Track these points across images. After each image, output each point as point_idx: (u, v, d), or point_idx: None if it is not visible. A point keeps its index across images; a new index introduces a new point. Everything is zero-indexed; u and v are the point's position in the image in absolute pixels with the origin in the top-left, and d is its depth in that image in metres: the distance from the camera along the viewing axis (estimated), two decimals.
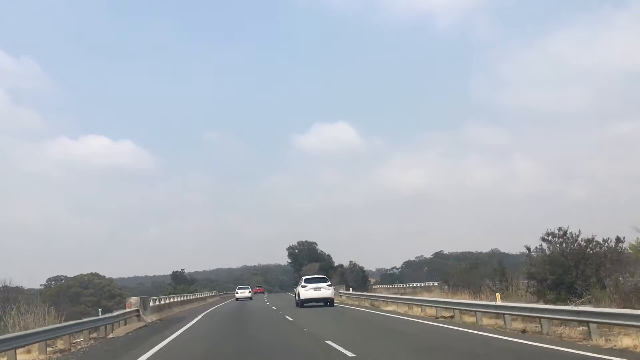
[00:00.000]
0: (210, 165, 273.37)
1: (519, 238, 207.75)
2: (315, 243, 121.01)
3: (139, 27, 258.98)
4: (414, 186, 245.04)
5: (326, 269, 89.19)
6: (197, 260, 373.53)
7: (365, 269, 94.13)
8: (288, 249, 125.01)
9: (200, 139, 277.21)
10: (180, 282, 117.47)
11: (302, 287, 36.20)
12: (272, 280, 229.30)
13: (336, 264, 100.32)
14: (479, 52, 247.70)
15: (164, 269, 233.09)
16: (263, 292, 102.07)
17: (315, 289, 35.55)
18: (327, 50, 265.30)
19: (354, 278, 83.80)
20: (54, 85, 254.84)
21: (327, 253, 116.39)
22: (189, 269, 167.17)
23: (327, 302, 35.62)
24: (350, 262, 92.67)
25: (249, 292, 67.38)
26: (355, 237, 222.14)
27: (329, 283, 37.96)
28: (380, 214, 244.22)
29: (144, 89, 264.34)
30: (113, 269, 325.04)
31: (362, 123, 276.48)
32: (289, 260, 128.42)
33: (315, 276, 41.36)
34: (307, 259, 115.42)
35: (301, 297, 35.73)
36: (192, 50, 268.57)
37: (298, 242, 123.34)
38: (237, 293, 66.50)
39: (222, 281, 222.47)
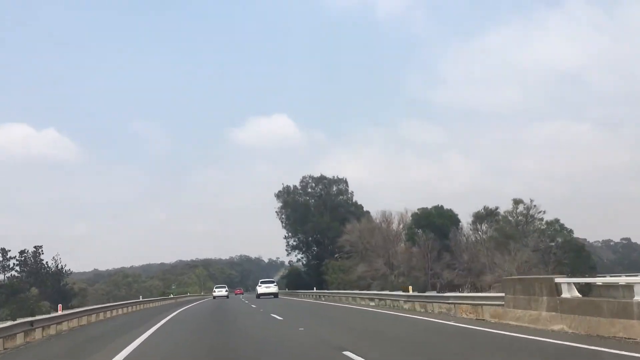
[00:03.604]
0: (140, 158, 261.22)
1: None
2: (344, 181, 62.29)
3: (66, 10, 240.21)
4: (356, 181, 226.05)
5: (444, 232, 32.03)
6: (125, 256, 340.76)
7: None
8: (279, 195, 65.21)
9: (130, 130, 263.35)
10: (36, 277, 54.23)
11: (259, 286, 57.09)
12: (216, 275, 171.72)
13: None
14: (417, 47, 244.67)
15: (84, 266, 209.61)
16: (242, 293, 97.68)
17: (266, 287, 55.43)
18: (261, 40, 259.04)
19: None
20: None
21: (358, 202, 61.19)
22: (115, 265, 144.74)
23: (274, 295, 54.76)
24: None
25: (226, 290, 69.37)
26: None
27: (275, 283, 60.13)
28: None
29: (69, 74, 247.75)
30: None
31: (301, 116, 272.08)
32: (284, 221, 67.65)
33: (267, 279, 64.83)
34: (323, 212, 58.25)
35: (258, 292, 55.58)
36: (119, 37, 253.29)
37: (304, 178, 64.27)
38: (214, 292, 69.09)
39: (147, 277, 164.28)
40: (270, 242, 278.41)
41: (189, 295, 75.81)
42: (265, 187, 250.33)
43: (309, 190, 66.30)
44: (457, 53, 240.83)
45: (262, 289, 54.88)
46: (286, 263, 72.11)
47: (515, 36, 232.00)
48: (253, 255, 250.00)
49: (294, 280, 68.74)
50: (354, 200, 63.75)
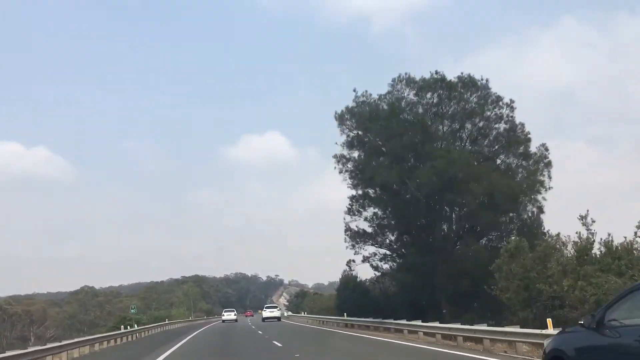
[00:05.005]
0: (133, 176, 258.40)
1: None
2: (483, 85, 32.70)
3: (59, 28, 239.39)
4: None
5: None
6: (113, 276, 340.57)
7: None
8: (344, 119, 34.02)
9: (122, 149, 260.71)
10: None
11: (264, 310, 63.34)
12: (210, 293, 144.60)
13: None
14: (409, 64, 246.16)
15: (68, 285, 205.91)
16: (252, 316, 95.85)
17: (270, 312, 61.03)
18: (255, 55, 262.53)
19: None
20: None
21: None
22: (103, 284, 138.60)
23: (277, 319, 59.43)
24: None
25: (234, 314, 70.06)
26: (292, 253, 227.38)
27: (279, 308, 71.61)
28: (316, 228, 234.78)
29: (61, 92, 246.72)
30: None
31: (294, 133, 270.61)
32: (351, 174, 35.61)
33: (270, 305, 76.61)
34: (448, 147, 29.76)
35: (263, 316, 60.81)
36: (113, 56, 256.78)
37: (397, 82, 32.89)
38: (223, 315, 69.57)
39: (126, 295, 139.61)
40: (267, 259, 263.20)
41: (167, 323, 48.34)
42: (257, 206, 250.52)
43: (405, 106, 33.05)
44: (450, 71, 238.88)
45: (266, 313, 60.69)
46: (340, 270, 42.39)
47: (508, 55, 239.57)
48: (249, 272, 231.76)
49: (351, 300, 39.57)
50: (516, 121, 32.28)
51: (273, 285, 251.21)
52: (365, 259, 34.26)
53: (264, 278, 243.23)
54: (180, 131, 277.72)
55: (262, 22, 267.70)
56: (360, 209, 33.66)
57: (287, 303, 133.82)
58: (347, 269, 38.25)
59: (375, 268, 34.76)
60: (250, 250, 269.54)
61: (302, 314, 62.40)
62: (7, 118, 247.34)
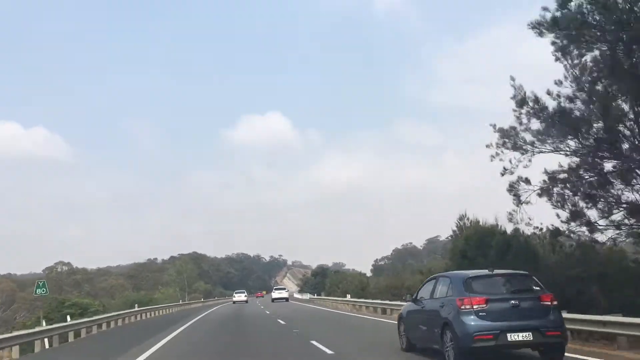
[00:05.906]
0: (134, 157, 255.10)
1: None
2: None
3: (58, 8, 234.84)
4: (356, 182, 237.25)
5: None
6: (110, 256, 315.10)
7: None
8: None
9: (121, 129, 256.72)
10: None
11: (273, 292, 74.35)
12: (210, 273, 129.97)
13: None
14: (412, 46, 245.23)
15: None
16: (262, 296, 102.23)
17: (279, 293, 70.37)
18: (255, 37, 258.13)
19: None
20: None
21: None
22: (101, 264, 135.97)
23: (285, 299, 67.39)
24: None
25: (245, 295, 72.74)
26: (294, 235, 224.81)
27: (287, 290, 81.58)
28: (317, 210, 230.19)
29: (61, 72, 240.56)
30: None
31: (295, 113, 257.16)
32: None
33: (279, 287, 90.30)
34: None
35: (272, 297, 69.35)
36: (111, 34, 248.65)
37: None
38: (234, 297, 72.42)
39: (114, 274, 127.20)
40: (270, 241, 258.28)
41: (135, 312, 30.95)
42: (257, 188, 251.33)
43: None
44: (452, 51, 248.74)
45: (275, 294, 69.73)
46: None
47: (512, 34, 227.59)
48: (252, 253, 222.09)
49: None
50: None
51: (277, 265, 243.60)
52: (553, 178, 13.67)
53: (267, 258, 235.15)
54: (181, 111, 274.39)
55: (263, 3, 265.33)
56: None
57: (301, 283, 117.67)
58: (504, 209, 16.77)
59: (566, 204, 13.99)
60: (252, 232, 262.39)
61: (347, 297, 42.03)
62: (5, 98, 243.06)
